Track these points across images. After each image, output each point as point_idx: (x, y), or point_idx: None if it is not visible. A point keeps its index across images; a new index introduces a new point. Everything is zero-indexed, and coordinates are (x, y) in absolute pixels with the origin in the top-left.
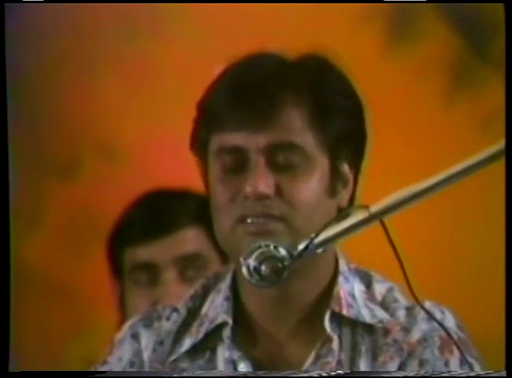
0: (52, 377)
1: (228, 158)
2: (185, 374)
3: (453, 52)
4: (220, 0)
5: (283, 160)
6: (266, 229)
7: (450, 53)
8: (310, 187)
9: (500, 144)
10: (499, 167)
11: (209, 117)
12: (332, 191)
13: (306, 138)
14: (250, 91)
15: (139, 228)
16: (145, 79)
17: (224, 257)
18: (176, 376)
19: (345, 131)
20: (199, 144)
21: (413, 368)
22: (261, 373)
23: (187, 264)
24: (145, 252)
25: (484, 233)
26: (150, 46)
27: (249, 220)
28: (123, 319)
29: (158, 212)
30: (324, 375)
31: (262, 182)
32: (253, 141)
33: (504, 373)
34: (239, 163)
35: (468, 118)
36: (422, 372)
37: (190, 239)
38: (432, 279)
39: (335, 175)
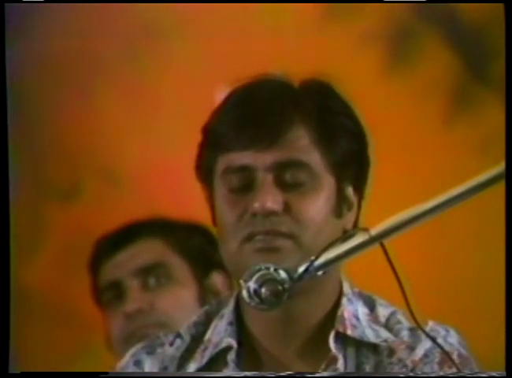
0: None
1: (235, 178)
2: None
3: (453, 74)
4: (221, 22)
5: (290, 177)
6: (274, 246)
7: (450, 75)
8: (318, 205)
9: (500, 166)
10: (499, 189)
11: (216, 139)
12: (338, 212)
13: (313, 157)
14: (257, 111)
15: (103, 248)
16: (146, 102)
17: (190, 263)
18: (176, 376)
19: (350, 153)
20: (205, 168)
21: None
22: (261, 374)
23: (148, 274)
24: (108, 270)
25: (485, 255)
26: (150, 67)
27: (257, 238)
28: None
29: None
30: (327, 375)
31: (270, 198)
32: (260, 159)
33: (504, 373)
34: (246, 182)
35: (468, 140)
36: None
37: (146, 250)
38: (434, 300)
39: (340, 196)
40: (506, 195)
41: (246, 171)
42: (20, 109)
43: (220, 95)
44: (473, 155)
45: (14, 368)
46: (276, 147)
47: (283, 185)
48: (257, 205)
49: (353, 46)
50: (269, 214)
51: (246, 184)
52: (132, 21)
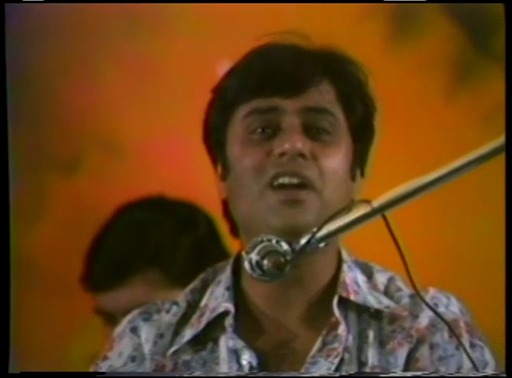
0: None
1: (260, 119)
2: (186, 371)
3: (455, 47)
4: (222, 0)
5: (317, 125)
6: (297, 198)
7: (451, 48)
8: (339, 159)
9: (501, 139)
10: (500, 161)
11: (236, 91)
12: (352, 174)
13: (338, 111)
14: (284, 65)
15: (96, 276)
16: (147, 75)
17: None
18: (176, 376)
19: (363, 120)
20: (216, 126)
21: (423, 353)
22: (262, 374)
23: None
24: (103, 300)
25: (485, 229)
26: (152, 42)
27: (281, 180)
28: None
29: (111, 259)
30: (328, 375)
31: (300, 141)
32: (290, 102)
33: (504, 374)
34: (272, 124)
35: (469, 113)
36: (434, 357)
37: (140, 288)
38: (434, 274)
39: (354, 158)
40: (506, 167)
41: (274, 112)
42: (21, 88)
43: (222, 69)
44: (473, 127)
45: (14, 368)
46: (306, 95)
47: (309, 132)
48: (287, 145)
49: (355, 19)
50: (298, 155)
51: (272, 126)
52: None
